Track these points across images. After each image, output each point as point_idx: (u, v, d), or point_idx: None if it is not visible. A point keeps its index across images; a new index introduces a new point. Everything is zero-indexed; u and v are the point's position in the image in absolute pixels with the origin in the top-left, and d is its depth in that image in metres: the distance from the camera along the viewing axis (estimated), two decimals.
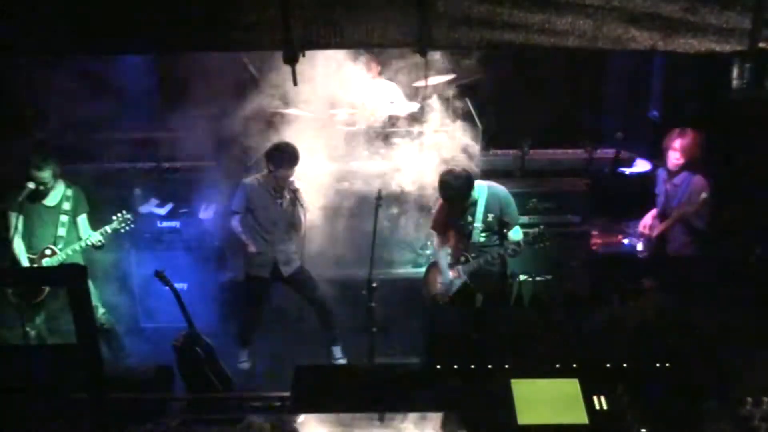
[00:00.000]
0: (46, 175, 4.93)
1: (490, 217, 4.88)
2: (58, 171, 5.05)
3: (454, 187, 4.71)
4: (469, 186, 4.74)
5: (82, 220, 5.20)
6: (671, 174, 5.09)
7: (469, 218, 4.90)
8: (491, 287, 5.06)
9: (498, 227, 4.95)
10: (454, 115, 6.90)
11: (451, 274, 5.05)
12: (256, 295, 5.52)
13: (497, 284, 5.12)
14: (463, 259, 4.98)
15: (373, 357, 5.01)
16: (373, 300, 4.86)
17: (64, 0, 2.25)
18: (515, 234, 4.92)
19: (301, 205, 5.28)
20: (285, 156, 5.16)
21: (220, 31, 2.28)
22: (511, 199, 4.96)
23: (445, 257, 5.12)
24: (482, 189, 4.87)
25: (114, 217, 5.15)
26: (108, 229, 5.12)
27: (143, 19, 2.26)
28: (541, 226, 4.93)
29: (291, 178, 5.25)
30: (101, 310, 5.36)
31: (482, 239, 4.91)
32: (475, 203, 4.86)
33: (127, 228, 5.21)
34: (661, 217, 5.15)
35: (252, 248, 5.36)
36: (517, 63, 6.86)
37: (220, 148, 6.74)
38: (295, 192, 5.24)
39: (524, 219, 5.62)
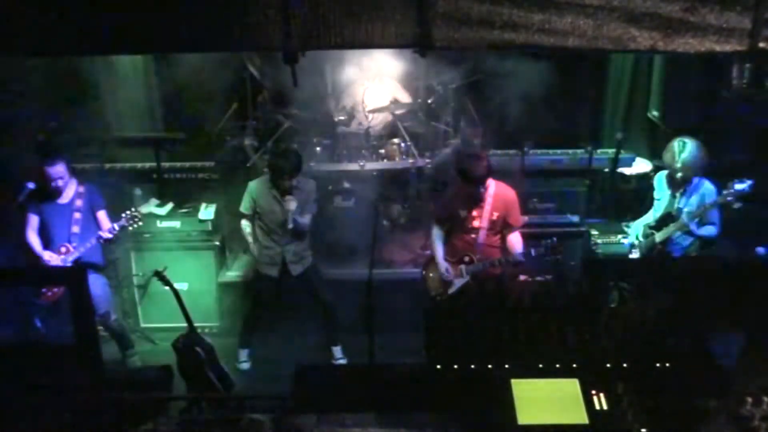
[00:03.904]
0: (59, 170, 4.93)
1: (495, 215, 4.90)
2: (70, 166, 5.05)
3: (475, 169, 4.71)
4: (489, 171, 4.76)
5: (102, 216, 5.19)
6: (678, 181, 4.94)
7: (474, 213, 4.92)
8: (492, 289, 5.07)
9: (501, 227, 4.96)
10: (454, 114, 6.92)
11: (453, 272, 5.05)
12: (264, 294, 5.51)
13: (498, 286, 5.13)
14: (467, 259, 4.99)
15: (373, 357, 5.01)
16: (372, 300, 4.86)
17: (63, 0, 2.25)
18: (515, 241, 4.95)
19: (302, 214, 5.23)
20: (286, 165, 5.10)
21: (220, 31, 2.28)
22: (517, 202, 4.99)
23: (441, 250, 5.11)
24: (492, 185, 4.90)
25: (123, 215, 5.15)
26: (116, 226, 5.12)
27: (143, 19, 2.26)
28: (554, 238, 4.92)
29: (294, 184, 5.20)
30: (113, 317, 5.37)
31: (486, 239, 4.93)
32: (483, 198, 4.88)
33: (135, 226, 5.24)
34: (659, 222, 5.08)
35: (253, 250, 5.38)
36: (518, 63, 6.85)
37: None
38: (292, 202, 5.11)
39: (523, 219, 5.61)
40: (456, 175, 4.92)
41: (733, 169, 4.97)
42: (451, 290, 5.06)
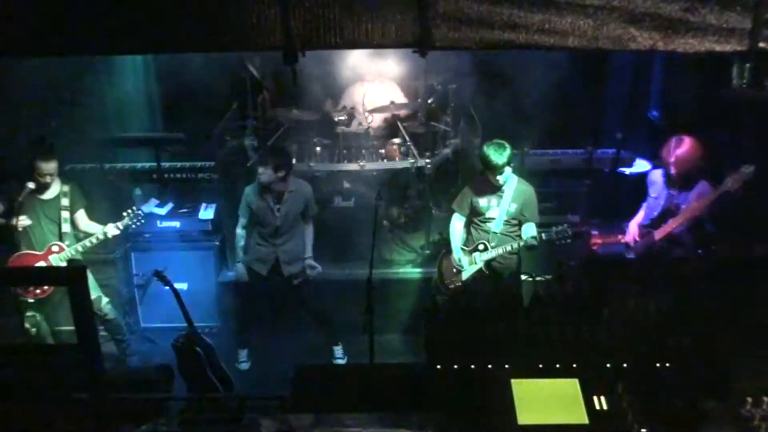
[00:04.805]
0: (52, 166, 4.95)
1: (513, 207, 4.97)
2: (60, 165, 5.07)
3: (496, 156, 4.78)
4: (510, 159, 4.83)
5: (80, 215, 5.20)
6: (674, 177, 5.01)
7: (495, 201, 4.99)
8: (504, 279, 5.13)
9: (517, 220, 5.04)
10: (453, 115, 6.91)
11: (466, 259, 5.10)
12: (255, 290, 5.51)
13: (510, 277, 5.19)
14: (482, 246, 5.03)
15: (373, 357, 5.01)
16: (373, 300, 4.86)
17: (63, 0, 2.25)
18: (529, 229, 4.98)
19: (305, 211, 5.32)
20: (274, 163, 5.12)
21: (220, 31, 2.28)
22: (535, 199, 5.07)
23: (460, 239, 5.19)
24: (512, 177, 4.98)
25: (125, 213, 5.17)
26: (120, 225, 5.14)
27: (142, 18, 2.26)
28: (566, 225, 4.95)
29: (290, 183, 5.23)
30: (104, 300, 5.36)
31: (502, 228, 5.00)
32: (503, 189, 4.95)
33: (138, 224, 5.25)
34: (656, 220, 5.10)
35: (240, 257, 5.41)
36: (519, 63, 6.86)
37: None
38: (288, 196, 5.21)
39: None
40: (478, 163, 5.00)
41: (732, 169, 4.96)
42: (463, 277, 5.13)
